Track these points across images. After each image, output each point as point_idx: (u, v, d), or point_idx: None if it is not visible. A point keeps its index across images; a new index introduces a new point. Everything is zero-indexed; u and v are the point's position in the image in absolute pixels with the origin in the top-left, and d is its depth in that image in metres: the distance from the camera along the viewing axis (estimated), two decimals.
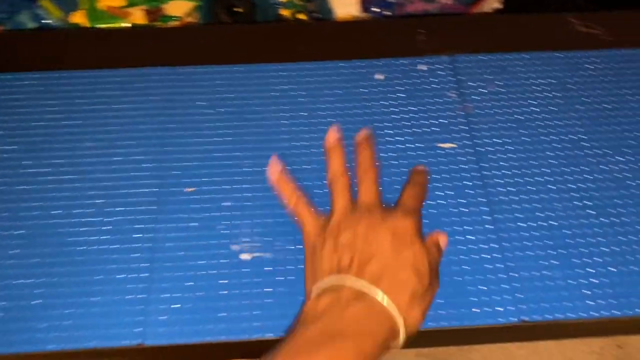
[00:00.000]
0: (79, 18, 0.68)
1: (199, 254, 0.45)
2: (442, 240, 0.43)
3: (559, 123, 0.52)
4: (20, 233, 0.45)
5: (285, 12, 0.78)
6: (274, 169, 0.47)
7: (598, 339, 0.94)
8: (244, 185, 0.48)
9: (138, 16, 0.71)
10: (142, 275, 0.43)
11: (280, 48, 0.57)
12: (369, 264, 0.38)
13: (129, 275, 0.43)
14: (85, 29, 0.66)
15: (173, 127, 0.51)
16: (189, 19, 0.71)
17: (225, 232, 0.45)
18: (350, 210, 0.43)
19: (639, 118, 0.52)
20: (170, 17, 0.72)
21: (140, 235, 0.45)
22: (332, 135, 0.48)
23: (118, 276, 0.43)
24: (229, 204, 0.47)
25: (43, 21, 0.68)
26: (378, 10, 0.71)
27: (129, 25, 0.67)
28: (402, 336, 0.37)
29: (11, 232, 0.45)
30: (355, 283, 0.37)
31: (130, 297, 0.42)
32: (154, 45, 0.58)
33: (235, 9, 0.78)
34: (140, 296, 0.42)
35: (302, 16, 0.76)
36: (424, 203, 0.45)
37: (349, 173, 0.46)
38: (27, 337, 0.41)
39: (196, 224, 0.46)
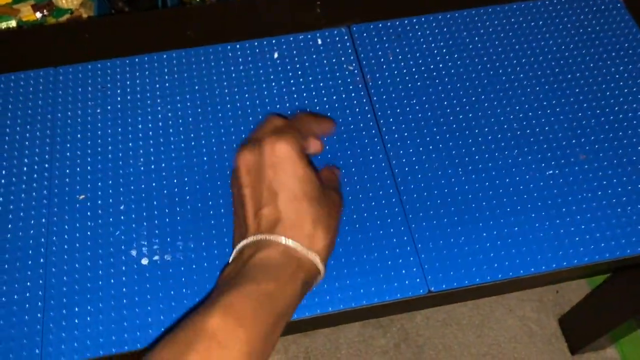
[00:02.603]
0: None
1: (97, 264, 0.43)
2: (333, 170, 0.45)
3: (459, 85, 0.51)
4: None
5: None
6: None
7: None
8: (140, 186, 0.46)
9: (28, 13, 0.67)
10: (36, 293, 0.41)
11: (173, 35, 0.54)
12: (261, 211, 0.37)
13: (21, 296, 0.41)
14: None
15: (60, 132, 0.48)
16: (82, 11, 0.67)
17: (122, 237, 0.43)
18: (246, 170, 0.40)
19: (535, 73, 0.52)
20: (64, 11, 0.68)
21: (30, 251, 0.43)
22: None
23: (10, 298, 0.41)
24: (122, 207, 0.45)
25: None
26: None
27: (14, 25, 0.63)
28: (319, 265, 0.37)
29: None
30: (252, 239, 0.37)
31: (25, 317, 0.40)
32: (38, 46, 0.54)
33: None
34: (37, 315, 0.41)
35: None
36: (300, 123, 0.42)
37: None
38: None
39: (90, 232, 0.44)
